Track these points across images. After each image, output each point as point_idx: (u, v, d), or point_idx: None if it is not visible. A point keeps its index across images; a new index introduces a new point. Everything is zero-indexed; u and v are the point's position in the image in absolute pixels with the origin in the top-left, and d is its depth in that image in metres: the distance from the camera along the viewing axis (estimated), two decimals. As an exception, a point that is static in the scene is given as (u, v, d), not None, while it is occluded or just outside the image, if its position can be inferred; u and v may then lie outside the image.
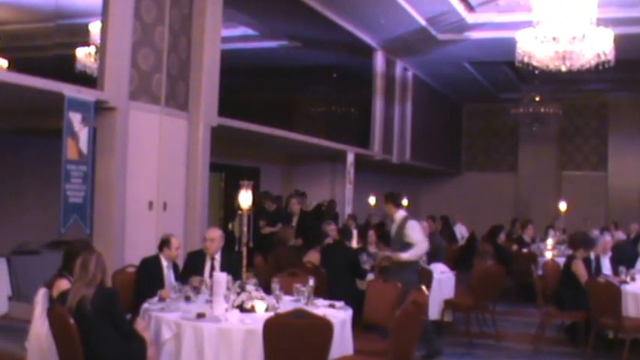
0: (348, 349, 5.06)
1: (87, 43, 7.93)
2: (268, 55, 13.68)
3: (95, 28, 7.61)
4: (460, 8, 11.83)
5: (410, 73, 16.46)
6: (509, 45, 9.47)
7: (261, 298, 5.11)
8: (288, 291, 5.56)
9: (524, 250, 11.12)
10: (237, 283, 5.32)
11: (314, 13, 11.36)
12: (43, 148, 9.50)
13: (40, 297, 5.01)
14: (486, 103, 20.94)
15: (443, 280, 8.11)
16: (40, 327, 4.88)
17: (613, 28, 8.89)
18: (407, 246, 6.92)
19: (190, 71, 8.41)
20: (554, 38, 8.74)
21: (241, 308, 4.96)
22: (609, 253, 8.35)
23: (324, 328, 4.48)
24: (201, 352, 4.57)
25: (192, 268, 6.14)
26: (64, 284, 4.93)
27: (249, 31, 12.75)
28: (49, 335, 4.65)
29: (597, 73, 9.76)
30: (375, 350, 5.19)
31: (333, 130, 14.33)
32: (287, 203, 11.72)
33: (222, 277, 5.01)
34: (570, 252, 8.40)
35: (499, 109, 20.53)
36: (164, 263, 6.13)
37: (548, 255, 10.66)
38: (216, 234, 6.25)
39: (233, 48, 12.00)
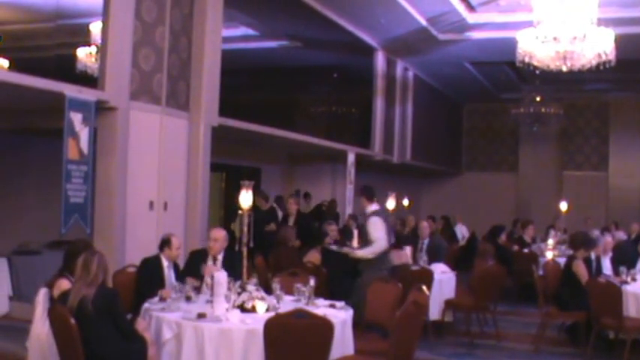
0: (349, 349, 5.06)
1: (88, 43, 7.93)
2: (269, 55, 13.67)
3: (96, 28, 7.60)
4: (461, 8, 11.83)
5: (410, 73, 16.46)
6: (510, 45, 9.46)
7: (262, 298, 5.11)
8: (288, 291, 5.56)
9: (525, 250, 11.12)
10: (238, 283, 5.32)
11: (314, 13, 11.36)
12: (43, 148, 9.49)
13: (41, 297, 5.01)
14: (487, 103, 20.93)
15: (443, 280, 8.11)
16: (40, 327, 4.88)
17: (614, 28, 8.89)
18: (367, 243, 6.92)
19: (191, 71, 8.41)
20: (554, 38, 8.73)
21: (242, 308, 4.96)
22: (610, 254, 8.35)
23: (324, 328, 4.48)
24: (202, 352, 4.57)
25: (193, 266, 6.13)
26: (64, 284, 4.93)
27: (250, 31, 12.73)
28: (49, 335, 4.65)
29: (598, 73, 9.76)
30: (375, 350, 5.19)
31: (334, 130, 14.32)
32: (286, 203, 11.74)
33: (222, 277, 5.02)
34: (571, 252, 8.40)
35: (500, 109, 20.52)
36: (165, 263, 6.13)
37: (549, 255, 10.66)
38: (220, 234, 6.25)
39: (234, 48, 11.98)
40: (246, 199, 5.64)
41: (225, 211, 13.45)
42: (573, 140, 20.17)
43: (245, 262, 5.68)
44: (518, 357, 7.44)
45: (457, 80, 17.46)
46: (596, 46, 8.81)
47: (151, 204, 7.77)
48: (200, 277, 5.94)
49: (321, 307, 5.22)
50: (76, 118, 6.65)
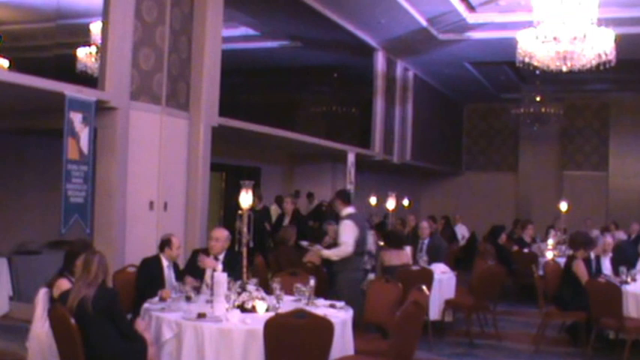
0: (349, 349, 5.06)
1: (88, 43, 7.93)
2: (269, 55, 13.67)
3: (96, 28, 7.60)
4: (461, 8, 11.83)
5: (411, 73, 16.46)
6: (510, 45, 9.46)
7: (262, 298, 5.11)
8: (288, 291, 5.56)
9: (525, 251, 11.12)
10: (238, 283, 5.32)
11: (315, 14, 11.36)
12: (43, 148, 9.50)
13: (41, 297, 5.02)
14: (487, 103, 20.94)
15: (443, 280, 8.11)
16: (40, 327, 4.89)
17: (614, 28, 8.88)
18: (336, 245, 6.99)
19: (191, 71, 8.40)
20: (555, 38, 8.73)
21: (242, 308, 4.96)
22: (610, 254, 8.34)
23: (324, 328, 4.48)
24: (202, 352, 4.57)
25: (194, 266, 6.13)
26: (64, 284, 4.93)
27: (250, 31, 12.73)
28: (49, 335, 4.66)
29: (598, 73, 9.76)
30: (375, 350, 5.19)
31: (334, 130, 14.33)
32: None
33: (222, 277, 5.02)
34: (570, 252, 8.39)
35: (500, 109, 20.54)
36: (165, 263, 6.14)
37: (549, 255, 10.66)
38: (222, 234, 6.24)
39: (234, 48, 11.99)
40: (246, 199, 5.64)
41: (225, 211, 13.44)
42: (573, 140, 20.17)
43: (245, 262, 5.68)
44: (518, 357, 7.44)
45: (457, 80, 17.46)
46: (596, 46, 8.81)
47: (151, 204, 7.76)
48: (200, 277, 5.94)
49: (321, 307, 5.22)
50: (76, 118, 6.65)
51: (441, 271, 8.28)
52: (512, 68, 15.07)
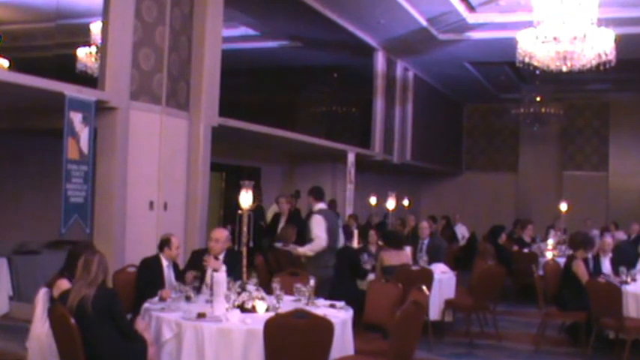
0: (349, 349, 5.06)
1: (88, 43, 7.93)
2: (269, 55, 13.68)
3: (96, 27, 7.60)
4: (461, 8, 11.83)
5: (411, 74, 16.46)
6: (510, 45, 9.46)
7: (262, 298, 5.11)
8: (288, 291, 5.56)
9: (525, 251, 11.12)
10: (238, 283, 5.32)
11: (315, 13, 11.36)
12: (43, 147, 9.49)
13: (41, 297, 5.02)
14: (487, 103, 20.94)
15: (443, 280, 8.11)
16: (40, 327, 4.88)
17: (614, 28, 8.88)
18: (309, 240, 7.04)
19: (191, 71, 8.40)
20: (555, 38, 8.73)
21: (242, 308, 4.96)
22: (610, 254, 8.34)
23: (324, 328, 4.48)
24: (202, 352, 4.57)
25: (194, 266, 6.13)
26: (64, 284, 4.93)
27: (250, 31, 12.74)
28: (49, 335, 4.66)
29: (598, 73, 9.76)
30: (375, 350, 5.19)
31: (334, 130, 14.32)
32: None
33: (222, 277, 5.02)
34: (570, 252, 8.39)
35: (500, 109, 20.53)
36: (164, 263, 6.14)
37: (549, 255, 10.67)
38: (221, 235, 6.23)
39: (234, 48, 11.99)
40: (246, 199, 5.64)
41: (225, 211, 13.45)
42: (573, 140, 20.17)
43: (245, 261, 5.68)
44: (518, 357, 7.44)
45: (457, 80, 17.46)
46: (596, 46, 8.81)
47: (151, 204, 7.76)
48: (202, 272, 5.92)
49: (321, 308, 5.22)
50: (76, 118, 6.65)
51: (441, 271, 8.28)
52: (512, 68, 15.08)
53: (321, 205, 7.29)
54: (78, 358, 4.35)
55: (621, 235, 12.32)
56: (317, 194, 7.36)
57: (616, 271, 7.80)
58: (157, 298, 5.39)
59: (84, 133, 6.76)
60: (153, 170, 7.80)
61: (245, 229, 5.60)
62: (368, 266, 7.96)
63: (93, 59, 7.92)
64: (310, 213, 7.36)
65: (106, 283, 4.74)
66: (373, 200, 13.12)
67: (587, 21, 8.69)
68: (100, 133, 7.31)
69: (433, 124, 18.44)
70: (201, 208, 8.34)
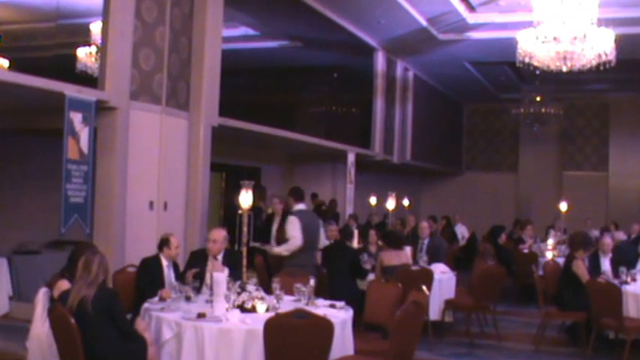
0: (349, 349, 5.06)
1: (88, 43, 7.93)
2: (269, 55, 13.68)
3: (96, 27, 7.61)
4: (461, 8, 11.83)
5: (411, 73, 16.46)
6: (510, 45, 9.46)
7: (262, 298, 5.11)
8: (288, 291, 5.56)
9: (525, 251, 11.12)
10: (238, 283, 5.32)
11: (315, 13, 11.36)
12: (43, 148, 9.50)
13: (41, 297, 5.02)
14: (487, 103, 20.94)
15: (443, 280, 8.10)
16: (40, 327, 4.88)
17: (614, 29, 8.89)
18: (285, 240, 7.16)
19: (191, 71, 8.40)
20: (555, 38, 8.73)
21: (242, 308, 4.96)
22: (609, 255, 8.34)
23: (324, 328, 4.48)
24: (202, 352, 4.57)
25: (193, 267, 6.13)
26: (64, 284, 4.93)
27: (250, 31, 12.75)
28: (49, 335, 4.66)
29: (598, 73, 9.76)
30: (375, 350, 5.19)
31: (334, 130, 14.33)
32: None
33: (222, 277, 5.02)
34: (569, 251, 8.38)
35: (500, 109, 20.54)
36: (164, 263, 6.13)
37: (549, 255, 10.66)
38: (219, 235, 6.22)
39: (234, 48, 12.00)
40: (246, 199, 5.65)
41: (225, 211, 13.45)
42: (573, 140, 20.17)
43: (245, 261, 5.68)
44: (518, 357, 7.44)
45: (457, 80, 17.47)
46: (596, 46, 8.81)
47: (151, 204, 7.76)
48: (200, 278, 5.93)
49: (321, 308, 5.22)
50: (76, 117, 6.65)
51: (441, 271, 8.27)
52: (512, 68, 15.08)
53: (301, 206, 7.39)
54: (78, 358, 4.35)
55: (621, 236, 12.33)
56: (296, 195, 7.46)
57: (616, 271, 7.79)
58: (156, 298, 5.39)
59: (84, 133, 6.76)
60: (153, 170, 7.80)
61: (245, 229, 5.60)
62: (368, 266, 7.96)
63: (93, 59, 7.92)
64: (287, 213, 7.41)
65: (106, 283, 4.74)
66: (373, 200, 13.12)
67: (587, 21, 8.69)
68: (100, 133, 7.31)
69: (433, 124, 18.45)
70: (201, 208, 8.34)
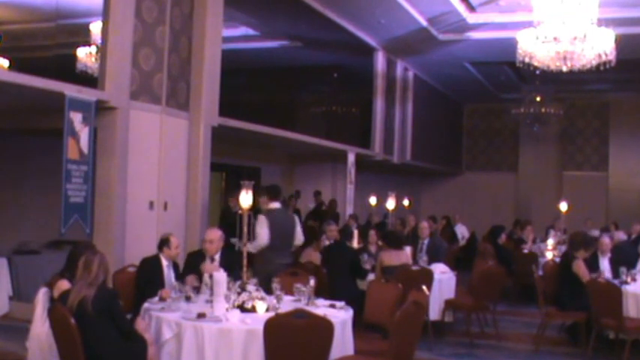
0: (349, 349, 5.06)
1: (88, 43, 7.94)
2: (269, 55, 13.69)
3: (96, 27, 7.61)
4: (461, 8, 11.83)
5: (411, 73, 16.46)
6: (510, 45, 9.46)
7: (262, 298, 5.11)
8: (288, 291, 5.56)
9: (525, 251, 11.12)
10: (238, 283, 5.32)
11: (315, 13, 11.36)
12: (43, 148, 9.50)
13: (41, 297, 5.01)
14: (487, 103, 20.94)
15: (443, 280, 8.10)
16: (40, 327, 4.88)
17: (614, 28, 8.88)
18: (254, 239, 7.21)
19: (191, 71, 8.40)
20: (555, 38, 8.73)
21: (242, 308, 4.96)
22: (608, 255, 8.34)
23: (324, 328, 4.48)
24: (202, 352, 4.57)
25: (191, 268, 6.13)
26: (64, 284, 4.93)
27: (250, 31, 12.76)
28: (49, 335, 4.66)
29: (598, 73, 9.75)
30: (375, 350, 5.19)
31: (334, 130, 14.34)
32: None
33: (222, 277, 5.02)
34: (564, 250, 8.37)
35: (500, 109, 20.54)
36: (164, 263, 6.13)
37: (549, 255, 10.66)
38: (215, 235, 6.24)
39: (234, 48, 12.01)
40: (246, 199, 5.65)
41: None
42: (573, 140, 20.18)
43: (245, 261, 5.68)
44: (518, 357, 7.44)
45: (457, 80, 17.47)
46: (597, 46, 8.81)
47: (151, 204, 7.77)
48: (200, 277, 5.94)
49: (321, 308, 5.22)
50: (76, 117, 6.65)
51: (441, 271, 8.27)
52: (512, 68, 15.07)
53: (274, 205, 7.37)
54: (78, 358, 4.35)
55: (621, 236, 12.31)
56: (271, 193, 7.46)
57: (616, 271, 7.79)
58: (156, 298, 5.39)
59: (84, 133, 6.76)
60: (153, 170, 7.81)
61: (245, 229, 5.60)
62: (368, 266, 7.96)
63: (93, 59, 7.93)
64: (257, 212, 7.44)
65: (106, 283, 4.74)
66: (373, 200, 13.12)
67: (587, 21, 8.69)
68: (100, 133, 7.31)
69: (433, 124, 18.45)
70: (201, 208, 8.35)
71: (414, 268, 7.69)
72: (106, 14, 7.18)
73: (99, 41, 7.40)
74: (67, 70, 7.72)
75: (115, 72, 7.21)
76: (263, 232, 7.14)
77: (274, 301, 5.20)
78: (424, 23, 12.36)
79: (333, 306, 5.36)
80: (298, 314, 4.51)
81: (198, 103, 8.39)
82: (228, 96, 9.00)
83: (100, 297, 4.47)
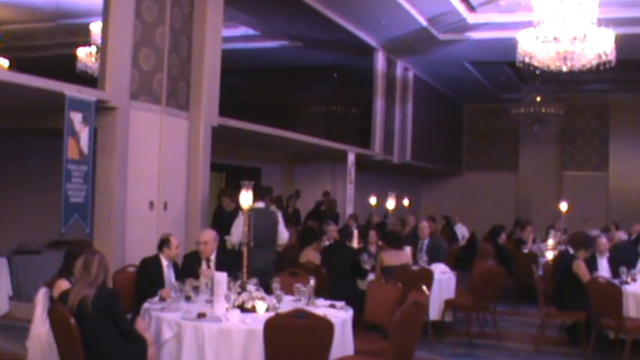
0: (349, 349, 5.06)
1: (88, 43, 7.94)
2: (269, 55, 13.68)
3: (96, 27, 7.61)
4: (461, 8, 11.83)
5: (411, 73, 16.47)
6: (510, 45, 9.47)
7: (262, 298, 5.11)
8: (288, 291, 5.56)
9: (525, 251, 11.12)
10: (238, 283, 5.32)
11: (315, 13, 11.36)
12: (43, 148, 9.50)
13: (41, 297, 5.01)
14: (487, 103, 20.95)
15: (443, 280, 8.10)
16: (40, 327, 4.88)
17: (614, 29, 8.89)
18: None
19: (191, 71, 8.41)
20: (555, 38, 8.73)
21: (242, 308, 4.96)
22: (606, 254, 8.34)
23: (324, 328, 4.48)
24: (202, 352, 4.57)
25: (188, 270, 6.13)
26: (64, 284, 4.93)
27: (250, 31, 12.75)
28: (49, 335, 4.65)
29: (598, 73, 9.76)
30: (375, 350, 5.19)
31: (334, 130, 14.33)
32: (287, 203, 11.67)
33: (222, 277, 5.02)
34: (563, 249, 8.36)
35: (500, 109, 20.54)
36: (164, 263, 6.13)
37: (549, 255, 10.66)
38: (209, 236, 6.24)
39: (234, 48, 12.00)
40: (246, 199, 5.65)
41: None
42: (573, 140, 20.18)
43: (245, 261, 5.68)
44: (518, 357, 7.44)
45: (457, 80, 17.47)
46: (597, 47, 8.81)
47: (151, 204, 7.77)
48: (198, 278, 5.93)
49: (321, 308, 5.22)
50: (76, 117, 6.65)
51: (441, 271, 8.27)
52: (512, 68, 15.08)
53: (258, 204, 7.35)
54: (78, 358, 4.35)
55: (622, 235, 12.31)
56: (257, 193, 7.46)
57: (616, 271, 7.79)
58: (156, 298, 5.39)
59: (84, 133, 6.76)
60: (153, 170, 7.81)
61: (246, 229, 5.60)
62: (368, 266, 7.96)
63: (93, 59, 7.92)
64: (237, 210, 7.50)
65: (106, 283, 4.74)
66: (373, 200, 13.12)
67: (587, 21, 8.69)
68: (100, 133, 7.31)
69: (433, 124, 18.45)
70: (201, 208, 8.35)
71: (414, 268, 7.69)
72: (106, 14, 7.18)
73: (99, 41, 7.40)
74: (67, 70, 7.72)
75: (115, 72, 7.21)
76: (234, 231, 7.39)
77: (274, 301, 5.20)
78: (424, 23, 12.37)
79: (333, 306, 5.36)
80: (298, 314, 4.51)
81: (198, 103, 8.39)
82: (228, 96, 9.00)
83: (100, 297, 4.47)
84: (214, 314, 4.79)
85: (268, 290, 5.44)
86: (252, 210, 7.21)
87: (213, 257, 6.19)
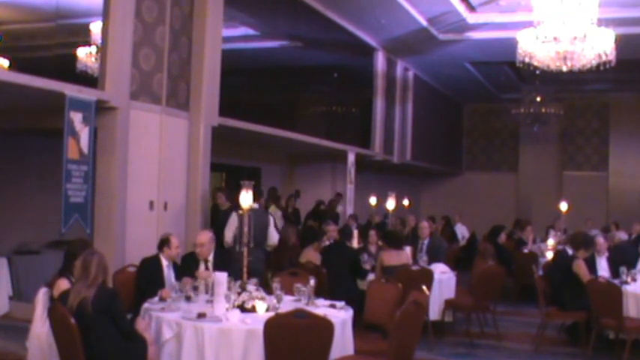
0: (349, 349, 5.06)
1: (88, 43, 7.95)
2: (269, 55, 13.70)
3: (96, 27, 7.62)
4: (461, 8, 11.83)
5: (411, 73, 16.46)
6: (510, 45, 9.47)
7: (262, 298, 5.11)
8: (288, 291, 5.56)
9: (525, 251, 11.12)
10: (238, 283, 5.32)
11: (315, 13, 11.36)
12: (43, 148, 9.50)
13: (41, 297, 5.01)
14: (487, 103, 20.95)
15: (443, 280, 8.10)
16: (40, 327, 4.88)
17: (614, 29, 8.89)
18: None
19: (191, 71, 8.41)
20: (555, 38, 8.74)
21: (242, 308, 4.96)
22: (605, 254, 8.34)
23: (324, 328, 4.48)
24: (202, 352, 4.57)
25: (187, 271, 6.13)
26: (64, 284, 4.93)
27: (250, 31, 12.76)
28: (49, 335, 4.65)
29: (598, 73, 9.76)
30: (375, 350, 5.19)
31: (334, 130, 14.35)
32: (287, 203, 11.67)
33: (222, 277, 5.02)
34: (561, 248, 8.36)
35: (500, 109, 20.54)
36: (164, 263, 6.13)
37: (549, 255, 10.66)
38: (206, 238, 6.25)
39: (234, 48, 12.01)
40: (246, 199, 5.65)
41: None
42: (573, 140, 20.18)
43: (246, 262, 5.68)
44: (518, 357, 7.44)
45: (457, 80, 17.47)
46: (597, 47, 8.81)
47: (151, 204, 7.77)
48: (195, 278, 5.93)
49: (321, 307, 5.22)
50: (76, 117, 6.65)
51: (441, 271, 8.27)
52: (512, 68, 15.08)
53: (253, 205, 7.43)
54: (78, 358, 4.35)
55: (622, 235, 12.31)
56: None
57: (616, 271, 7.79)
58: (156, 298, 5.39)
59: (84, 133, 6.76)
60: (153, 170, 7.81)
61: (246, 229, 5.60)
62: (368, 266, 7.96)
63: (93, 59, 7.93)
64: (231, 209, 7.58)
65: (106, 283, 4.74)
66: (373, 200, 13.12)
67: (587, 21, 8.69)
68: (100, 133, 7.31)
69: (433, 124, 18.45)
70: (201, 208, 8.35)
71: (414, 268, 7.69)
72: (106, 14, 7.18)
73: (99, 41, 7.40)
74: (67, 70, 7.73)
75: (115, 72, 7.20)
76: (227, 231, 7.47)
77: (274, 301, 5.20)
78: (424, 23, 12.37)
79: (333, 306, 5.36)
80: (298, 314, 4.51)
81: (198, 103, 8.39)
82: (228, 96, 9.01)
83: (99, 297, 4.47)
84: (214, 314, 4.79)
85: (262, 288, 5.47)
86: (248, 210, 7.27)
87: (210, 258, 6.19)
